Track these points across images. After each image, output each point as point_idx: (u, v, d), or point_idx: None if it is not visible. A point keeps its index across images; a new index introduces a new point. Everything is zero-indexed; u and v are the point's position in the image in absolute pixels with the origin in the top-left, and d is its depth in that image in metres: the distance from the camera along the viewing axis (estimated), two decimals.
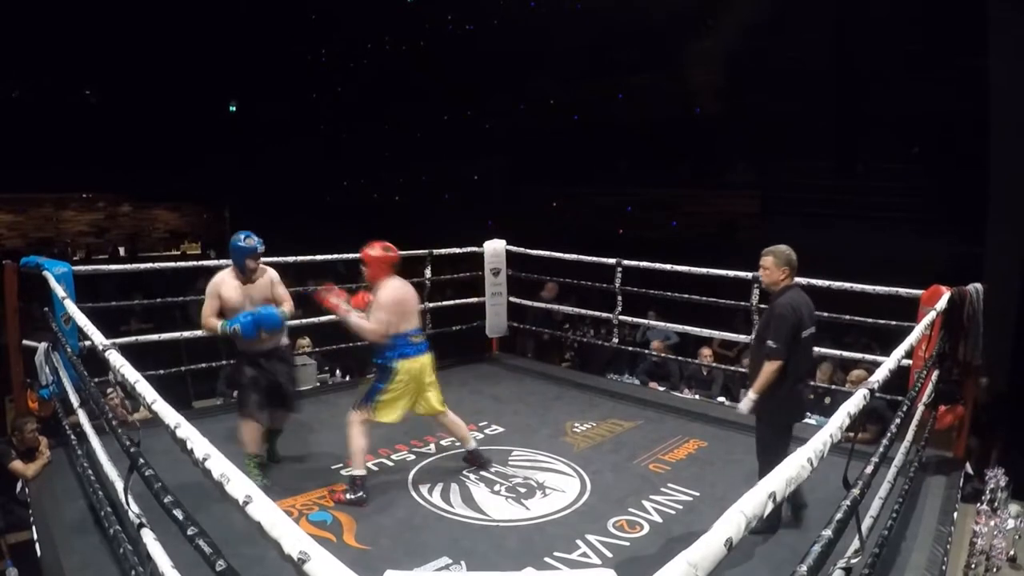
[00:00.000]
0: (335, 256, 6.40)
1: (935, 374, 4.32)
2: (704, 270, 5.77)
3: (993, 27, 7.48)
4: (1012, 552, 3.90)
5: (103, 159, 14.17)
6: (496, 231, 7.27)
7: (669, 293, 6.27)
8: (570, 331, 8.49)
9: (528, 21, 13.23)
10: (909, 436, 3.75)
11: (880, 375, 2.67)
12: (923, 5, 8.67)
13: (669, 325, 6.69)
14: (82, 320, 3.36)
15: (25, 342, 4.80)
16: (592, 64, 12.95)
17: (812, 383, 5.06)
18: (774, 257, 3.68)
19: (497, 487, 4.19)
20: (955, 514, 3.90)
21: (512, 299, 7.16)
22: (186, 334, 5.61)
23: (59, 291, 4.29)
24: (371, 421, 4.03)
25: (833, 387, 5.32)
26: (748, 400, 3.65)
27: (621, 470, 4.47)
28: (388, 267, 4.07)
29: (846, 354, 5.54)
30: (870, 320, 5.16)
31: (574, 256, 6.71)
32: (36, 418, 4.62)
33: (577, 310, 7.29)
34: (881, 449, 2.42)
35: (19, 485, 4.36)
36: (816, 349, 5.79)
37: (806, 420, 4.63)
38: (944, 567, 3.36)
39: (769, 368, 3.53)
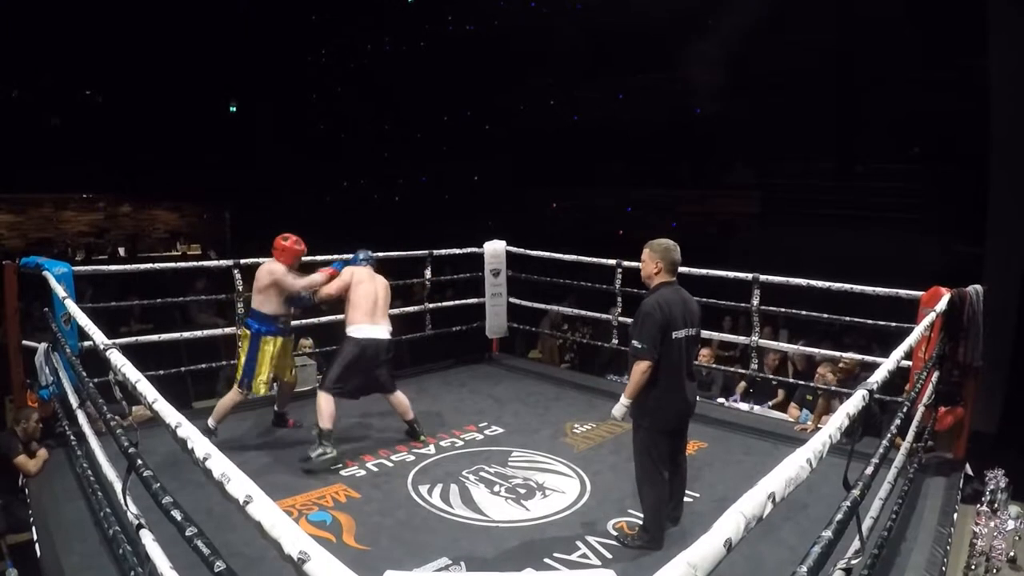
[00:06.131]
0: (335, 256, 6.37)
1: (935, 375, 4.32)
2: (703, 271, 5.76)
3: (993, 27, 7.46)
4: (1012, 553, 3.90)
5: (103, 159, 14.14)
6: (496, 231, 7.26)
7: None
8: (569, 332, 8.47)
9: (528, 21, 13.21)
10: (909, 437, 3.76)
11: (879, 376, 2.68)
12: (923, 5, 8.66)
13: None
14: (83, 320, 3.36)
15: (25, 342, 4.81)
16: (592, 64, 12.93)
17: None
18: (650, 249, 3.56)
19: (497, 488, 4.19)
20: (955, 515, 3.90)
21: (512, 300, 7.16)
22: (186, 335, 5.60)
23: (59, 291, 4.29)
24: None
25: (833, 388, 5.31)
26: (620, 406, 3.43)
27: (621, 471, 4.44)
28: None
29: (846, 355, 5.54)
30: (870, 321, 5.15)
31: (574, 257, 6.71)
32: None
33: (577, 311, 7.28)
34: (881, 450, 2.42)
35: (20, 480, 4.36)
36: (815, 351, 5.86)
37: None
38: (944, 568, 3.37)
39: (637, 369, 3.33)
